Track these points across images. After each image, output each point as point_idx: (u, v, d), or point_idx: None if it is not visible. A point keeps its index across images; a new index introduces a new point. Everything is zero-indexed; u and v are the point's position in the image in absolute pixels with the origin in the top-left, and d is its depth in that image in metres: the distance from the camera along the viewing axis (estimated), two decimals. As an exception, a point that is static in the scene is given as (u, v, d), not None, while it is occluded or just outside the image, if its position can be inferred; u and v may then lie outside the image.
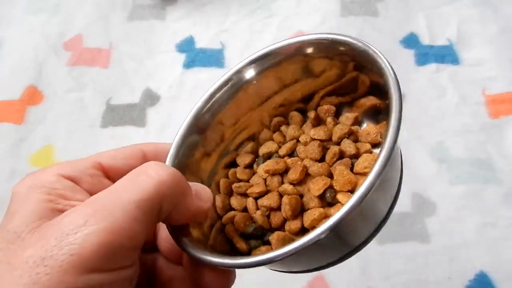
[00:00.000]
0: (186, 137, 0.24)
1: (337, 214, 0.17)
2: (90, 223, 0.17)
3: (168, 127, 0.50)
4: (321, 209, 0.22)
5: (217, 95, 0.25)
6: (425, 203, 0.44)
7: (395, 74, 0.22)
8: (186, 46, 0.57)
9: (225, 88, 0.26)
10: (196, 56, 0.56)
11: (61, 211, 0.18)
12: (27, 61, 0.56)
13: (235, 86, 0.26)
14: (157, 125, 0.51)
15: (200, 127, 0.25)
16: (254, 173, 0.26)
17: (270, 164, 0.24)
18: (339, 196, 0.22)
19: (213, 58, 0.56)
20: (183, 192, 0.20)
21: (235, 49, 0.56)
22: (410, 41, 0.56)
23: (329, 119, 0.26)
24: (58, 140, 0.50)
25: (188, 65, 0.55)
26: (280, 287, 0.41)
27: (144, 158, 0.23)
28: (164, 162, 0.23)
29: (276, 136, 0.27)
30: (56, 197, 0.19)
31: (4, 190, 0.46)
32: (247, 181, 0.26)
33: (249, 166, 0.26)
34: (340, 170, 0.22)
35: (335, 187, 0.22)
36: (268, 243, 0.23)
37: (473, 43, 0.55)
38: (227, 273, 0.21)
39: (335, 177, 0.23)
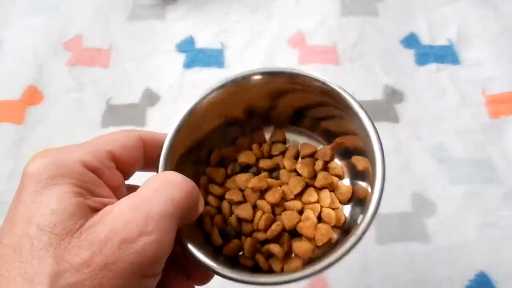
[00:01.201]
0: (178, 132, 0.26)
1: (324, 264, 0.22)
2: (145, 234, 0.18)
3: (168, 127, 0.50)
4: (285, 233, 0.26)
5: (211, 95, 0.27)
6: (425, 203, 0.44)
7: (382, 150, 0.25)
8: (186, 46, 0.57)
9: (221, 90, 0.27)
10: (196, 56, 0.56)
11: (92, 208, 0.19)
12: (27, 61, 0.56)
13: (231, 87, 0.27)
14: (157, 125, 0.51)
15: (190, 124, 0.27)
16: (227, 175, 0.29)
17: (255, 182, 0.27)
18: (301, 241, 0.26)
19: (213, 58, 0.56)
20: (197, 202, 0.22)
21: (235, 49, 0.56)
22: (410, 41, 0.56)
23: (319, 163, 0.28)
24: (58, 140, 0.50)
25: (188, 65, 0.55)
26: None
27: (144, 147, 0.24)
28: (160, 152, 0.25)
29: (256, 147, 0.29)
30: (84, 191, 0.19)
31: (4, 190, 0.46)
32: (222, 183, 0.29)
33: (224, 166, 0.30)
34: (309, 215, 0.26)
35: (298, 227, 0.26)
36: (233, 237, 0.27)
37: (473, 43, 0.55)
38: (209, 274, 0.25)
39: (303, 218, 0.26)
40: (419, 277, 0.41)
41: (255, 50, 0.56)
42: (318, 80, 0.27)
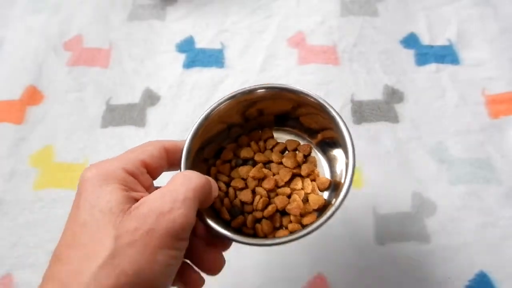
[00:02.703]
0: (193, 137, 0.33)
1: (308, 230, 0.29)
2: (175, 209, 0.25)
3: (168, 127, 0.50)
4: (277, 213, 0.34)
5: (220, 106, 0.34)
6: (425, 203, 0.44)
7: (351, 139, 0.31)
8: (186, 46, 0.57)
9: (228, 101, 0.34)
10: (196, 56, 0.56)
11: (133, 198, 0.26)
12: (27, 61, 0.56)
13: (237, 99, 0.34)
14: (157, 125, 0.51)
15: (202, 130, 0.34)
16: (231, 167, 0.36)
17: (255, 172, 0.35)
18: (290, 217, 0.33)
19: (213, 58, 0.56)
20: (210, 192, 0.29)
21: (235, 49, 0.56)
22: (410, 41, 0.56)
23: (300, 155, 0.36)
24: (58, 140, 0.50)
25: (188, 65, 0.55)
26: (279, 287, 0.41)
27: (167, 155, 0.30)
28: (181, 155, 0.31)
29: (253, 145, 0.37)
30: (128, 188, 0.27)
31: (4, 190, 0.46)
32: (229, 175, 0.36)
33: (229, 161, 0.37)
34: (295, 198, 0.33)
35: (287, 208, 0.33)
36: (238, 214, 0.34)
37: (473, 43, 0.56)
38: (226, 242, 0.31)
39: (290, 200, 0.34)
40: (419, 277, 0.41)
41: (255, 50, 0.56)
42: (298, 91, 0.34)
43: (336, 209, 0.29)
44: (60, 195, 0.46)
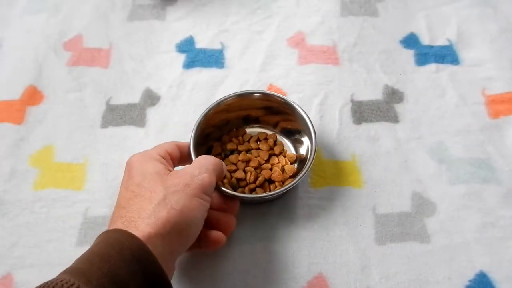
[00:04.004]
0: (195, 136, 0.44)
1: (290, 185, 0.42)
2: (201, 173, 0.36)
3: (168, 127, 0.50)
4: (266, 182, 0.46)
5: (208, 113, 0.46)
6: (425, 203, 0.44)
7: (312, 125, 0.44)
8: (186, 46, 0.57)
9: (214, 106, 0.46)
10: (196, 56, 0.56)
11: (169, 170, 0.37)
12: (27, 61, 0.56)
13: (220, 106, 0.46)
14: (157, 125, 0.51)
15: (200, 130, 0.45)
16: (222, 158, 0.47)
17: (242, 157, 0.47)
18: (275, 183, 0.46)
19: (213, 58, 0.56)
20: (222, 169, 0.40)
21: (235, 49, 0.56)
22: (410, 41, 0.56)
23: (271, 140, 0.48)
24: (58, 140, 0.50)
25: (188, 65, 0.55)
26: (279, 287, 0.41)
27: (179, 149, 0.41)
28: (188, 150, 0.42)
29: (234, 140, 0.48)
30: (164, 165, 0.37)
31: (4, 190, 0.46)
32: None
33: (219, 154, 0.48)
34: (276, 169, 0.46)
35: (271, 177, 0.45)
36: (237, 188, 0.46)
37: (473, 43, 0.56)
38: (235, 201, 0.42)
39: (273, 171, 0.46)
40: (419, 277, 0.41)
41: (255, 50, 0.56)
42: (274, 95, 0.47)
43: (304, 174, 0.42)
44: (60, 195, 0.46)
